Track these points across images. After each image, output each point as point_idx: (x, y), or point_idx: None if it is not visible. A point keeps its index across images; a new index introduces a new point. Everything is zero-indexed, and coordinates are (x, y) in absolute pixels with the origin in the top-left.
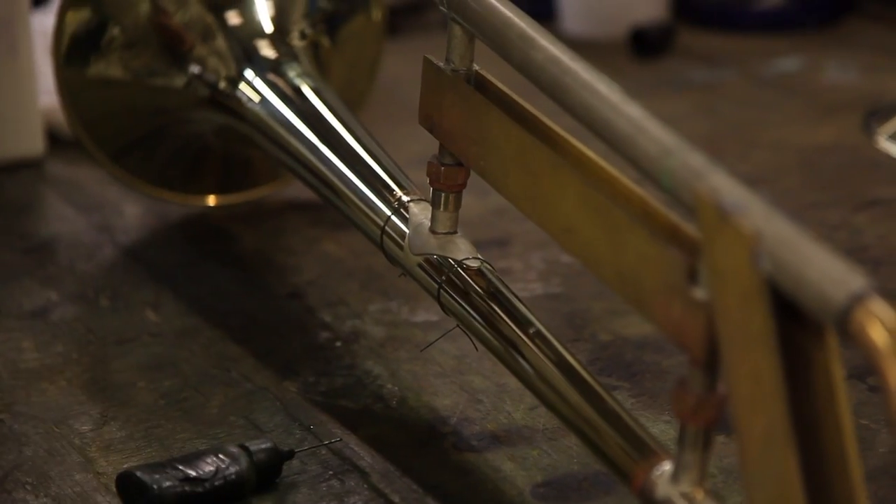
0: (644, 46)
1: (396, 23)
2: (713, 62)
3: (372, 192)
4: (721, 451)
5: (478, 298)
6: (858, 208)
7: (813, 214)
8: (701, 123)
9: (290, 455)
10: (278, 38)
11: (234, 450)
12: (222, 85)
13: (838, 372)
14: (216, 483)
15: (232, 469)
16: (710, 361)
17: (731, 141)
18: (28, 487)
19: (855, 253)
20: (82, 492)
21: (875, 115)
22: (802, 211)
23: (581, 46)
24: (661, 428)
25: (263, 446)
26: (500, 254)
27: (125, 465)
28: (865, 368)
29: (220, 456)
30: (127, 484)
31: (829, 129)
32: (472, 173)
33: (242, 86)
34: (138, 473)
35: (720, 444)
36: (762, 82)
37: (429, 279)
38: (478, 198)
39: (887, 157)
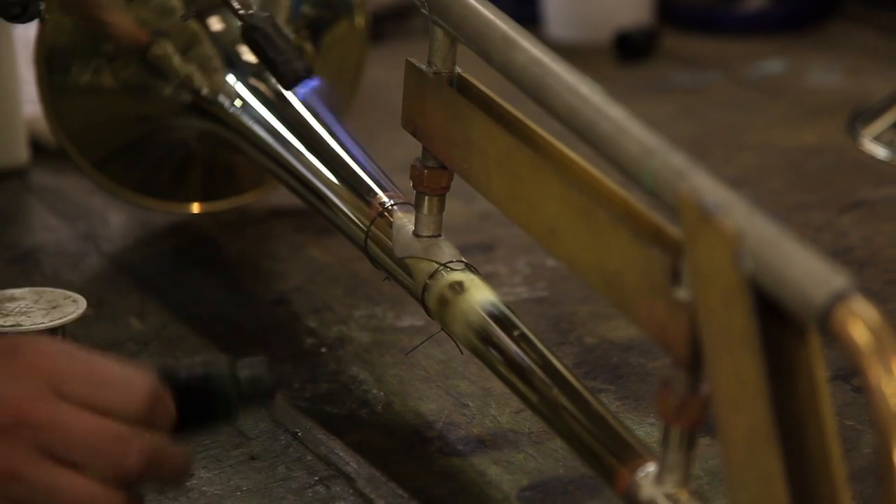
0: (629, 50)
1: (380, 29)
2: (697, 65)
3: (356, 196)
4: (706, 452)
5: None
6: (843, 210)
7: (798, 216)
8: (686, 126)
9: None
10: None
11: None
12: (205, 91)
13: (821, 372)
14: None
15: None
16: (694, 362)
17: (716, 143)
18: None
19: (840, 254)
20: None
21: (859, 117)
22: (787, 212)
23: (566, 51)
24: (646, 430)
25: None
26: (485, 258)
27: None
28: (850, 369)
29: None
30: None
31: (814, 131)
32: (457, 178)
33: (225, 91)
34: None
35: (705, 446)
36: (746, 85)
37: (413, 283)
38: (463, 203)
39: (871, 158)
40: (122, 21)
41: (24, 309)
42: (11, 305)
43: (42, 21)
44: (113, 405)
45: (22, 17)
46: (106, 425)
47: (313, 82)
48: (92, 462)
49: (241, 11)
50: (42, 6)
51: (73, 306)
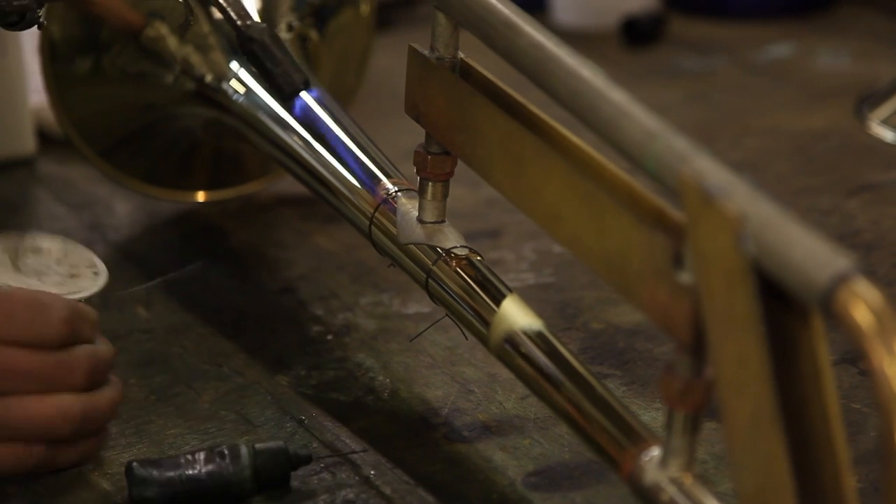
0: (636, 35)
1: (387, 17)
2: (705, 50)
3: (360, 183)
4: (712, 437)
5: (466, 287)
6: (851, 193)
7: (805, 200)
8: (693, 111)
9: (307, 460)
10: None
11: (239, 449)
12: (209, 78)
13: (824, 354)
14: (210, 482)
15: (231, 469)
16: (697, 346)
17: (723, 128)
18: (18, 480)
19: (847, 238)
20: (70, 486)
21: (867, 101)
22: (794, 196)
23: (573, 36)
24: (652, 415)
25: (271, 446)
26: (491, 245)
27: (118, 461)
28: (857, 353)
29: (222, 452)
30: (129, 475)
31: (822, 114)
32: (463, 164)
33: (229, 79)
34: (136, 467)
35: (711, 431)
36: (754, 69)
37: (417, 268)
38: (469, 189)
39: (879, 142)
40: (112, 2)
41: (43, 268)
42: (32, 260)
43: (41, 28)
44: (32, 337)
45: (20, 25)
46: (33, 356)
47: (312, 93)
48: (34, 386)
49: (239, 23)
50: (40, 14)
51: (91, 281)
